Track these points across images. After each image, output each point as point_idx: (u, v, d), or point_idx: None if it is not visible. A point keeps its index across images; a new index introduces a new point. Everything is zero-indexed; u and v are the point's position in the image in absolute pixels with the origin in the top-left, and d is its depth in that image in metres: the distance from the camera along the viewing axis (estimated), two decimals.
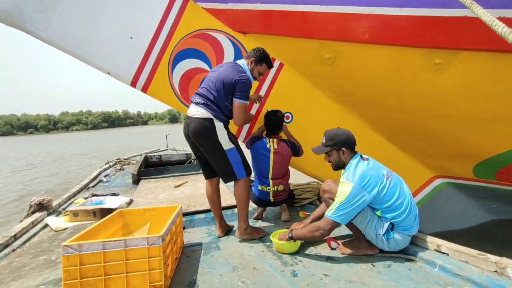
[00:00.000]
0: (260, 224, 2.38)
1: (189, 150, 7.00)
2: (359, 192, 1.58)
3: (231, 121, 2.00)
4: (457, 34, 1.83)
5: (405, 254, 1.69)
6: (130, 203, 3.05)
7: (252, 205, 2.77)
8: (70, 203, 3.22)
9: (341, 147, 1.74)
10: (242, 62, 2.02)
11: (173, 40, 2.34)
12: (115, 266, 1.32)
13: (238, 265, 1.66)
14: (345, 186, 1.62)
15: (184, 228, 2.29)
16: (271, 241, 1.89)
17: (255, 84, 2.52)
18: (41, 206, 2.77)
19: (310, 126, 2.58)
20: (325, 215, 1.66)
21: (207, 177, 2.11)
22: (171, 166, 4.81)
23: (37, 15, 2.10)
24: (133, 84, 2.35)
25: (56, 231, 2.39)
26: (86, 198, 3.16)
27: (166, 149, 8.27)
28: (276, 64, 2.51)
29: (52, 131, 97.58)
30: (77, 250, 1.29)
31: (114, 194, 3.45)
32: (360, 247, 1.76)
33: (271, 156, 2.24)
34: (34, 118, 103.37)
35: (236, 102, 1.88)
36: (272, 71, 2.52)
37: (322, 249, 1.84)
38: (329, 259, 1.71)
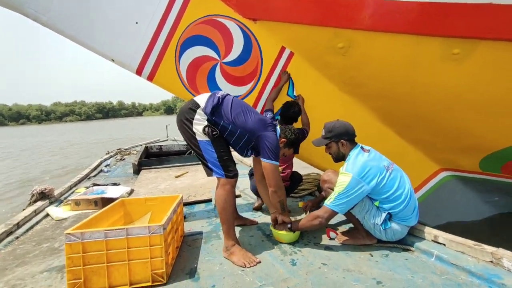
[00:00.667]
0: (259, 214, 2.40)
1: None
2: (358, 182, 1.60)
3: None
4: (478, 23, 1.74)
5: (403, 244, 1.71)
6: (131, 192, 3.08)
7: (252, 196, 2.80)
8: (72, 193, 3.25)
9: (339, 139, 1.76)
10: (278, 129, 1.83)
11: (181, 26, 2.24)
12: (117, 254, 1.35)
13: None
14: (344, 176, 1.64)
15: (184, 217, 2.31)
16: (271, 230, 1.92)
17: (264, 75, 2.46)
18: (43, 195, 2.80)
19: (319, 117, 2.52)
20: (324, 204, 1.68)
21: (208, 175, 1.95)
22: (171, 157, 4.83)
23: None
24: (139, 72, 2.26)
25: (57, 220, 2.42)
26: (87, 188, 3.19)
27: (167, 140, 8.26)
28: (286, 53, 2.45)
29: (45, 121, 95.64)
30: (79, 238, 1.31)
31: (115, 184, 3.47)
32: (359, 237, 1.78)
33: None
34: (26, 108, 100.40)
35: (266, 163, 1.68)
36: (282, 61, 2.45)
37: (321, 239, 1.86)
38: (327, 248, 1.73)
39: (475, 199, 3.32)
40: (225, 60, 2.35)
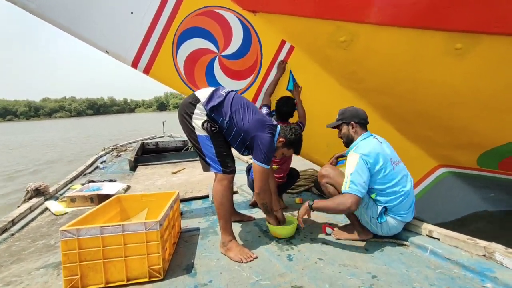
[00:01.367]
0: (256, 210, 2.41)
1: (186, 137, 6.97)
2: (364, 160, 1.63)
3: None
4: (481, 17, 1.72)
5: (398, 239, 1.73)
6: (127, 189, 3.06)
7: (249, 192, 2.81)
8: (67, 189, 3.22)
9: (350, 121, 1.79)
10: (278, 129, 1.79)
11: (178, 17, 2.17)
12: (114, 250, 1.34)
13: None
14: (352, 157, 1.68)
15: (181, 214, 2.31)
16: (267, 226, 1.93)
17: (263, 69, 2.42)
18: (38, 192, 2.77)
19: (320, 112, 2.51)
20: (342, 191, 1.62)
21: (204, 170, 1.89)
22: (168, 153, 4.81)
23: None
24: (134, 65, 2.20)
25: (56, 215, 2.41)
26: (83, 184, 3.16)
27: (163, 136, 8.23)
28: (286, 47, 2.41)
29: (34, 118, 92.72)
30: (75, 235, 1.31)
31: (111, 181, 3.46)
32: (354, 232, 1.80)
33: None
34: (13, 104, 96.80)
35: (256, 165, 1.65)
36: (282, 55, 2.42)
37: (317, 235, 1.88)
38: (324, 244, 1.75)
39: (472, 195, 3.35)
40: (224, 53, 2.31)
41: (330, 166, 1.89)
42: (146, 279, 1.38)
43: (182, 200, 2.64)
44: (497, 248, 1.40)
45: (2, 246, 1.88)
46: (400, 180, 1.67)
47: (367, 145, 1.68)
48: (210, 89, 1.73)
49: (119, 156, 5.64)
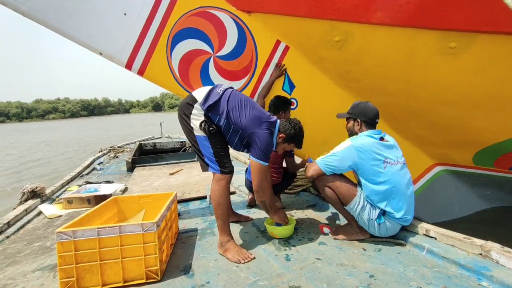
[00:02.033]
0: (254, 211, 2.41)
1: (184, 137, 6.97)
2: (352, 151, 1.67)
3: None
4: (476, 15, 1.72)
5: (395, 238, 1.74)
6: (124, 190, 3.05)
7: (247, 193, 2.80)
8: (64, 191, 3.20)
9: (357, 118, 1.81)
10: (278, 124, 1.78)
11: (172, 18, 2.17)
12: (110, 252, 1.34)
13: None
14: (345, 142, 1.74)
15: (179, 214, 2.31)
16: (265, 226, 1.93)
17: (259, 69, 2.42)
18: (34, 194, 2.75)
19: (315, 112, 2.51)
20: (317, 159, 1.79)
21: (203, 169, 1.88)
22: (165, 154, 4.79)
23: None
24: (128, 66, 2.19)
25: (50, 218, 2.39)
26: (80, 186, 3.14)
27: (161, 137, 8.21)
28: (281, 47, 2.42)
29: (26, 119, 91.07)
30: (71, 236, 1.30)
31: (108, 182, 3.44)
32: (352, 232, 1.80)
33: None
34: (5, 105, 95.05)
35: (254, 161, 1.63)
36: (277, 55, 2.43)
37: (315, 235, 1.88)
38: (321, 244, 1.75)
39: (468, 193, 3.38)
40: (218, 54, 2.31)
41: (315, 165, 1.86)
42: (143, 281, 1.37)
43: (180, 201, 2.64)
44: (493, 247, 1.41)
45: None
46: (390, 180, 1.65)
47: (366, 139, 1.71)
48: (207, 88, 1.72)
49: (117, 157, 5.61)
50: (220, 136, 1.70)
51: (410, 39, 1.98)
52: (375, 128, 1.82)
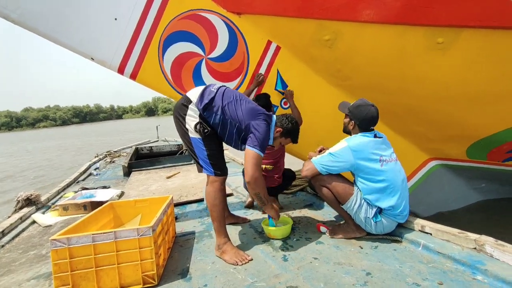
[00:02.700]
0: (251, 212, 2.41)
1: (180, 141, 6.94)
2: (349, 152, 1.68)
3: None
4: (460, 10, 1.75)
5: (391, 235, 1.75)
6: (121, 195, 3.03)
7: (245, 194, 2.80)
8: (60, 198, 3.17)
9: (352, 118, 1.82)
10: (274, 119, 1.77)
11: (162, 21, 2.17)
12: (106, 258, 1.33)
13: None
14: (341, 143, 1.75)
15: (176, 218, 2.30)
16: (262, 227, 1.93)
17: (251, 70, 2.43)
18: (29, 201, 2.72)
19: (308, 111, 2.51)
20: (313, 159, 1.79)
21: (198, 170, 1.88)
22: (162, 157, 4.78)
23: None
24: (121, 71, 2.19)
25: (44, 227, 2.36)
26: (76, 192, 3.12)
27: (157, 140, 8.17)
28: (273, 47, 2.43)
29: (16, 128, 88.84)
30: (66, 244, 1.28)
31: (104, 187, 3.41)
32: (349, 230, 1.81)
33: None
34: None
35: (249, 150, 1.59)
36: (269, 55, 2.44)
37: (312, 234, 1.88)
38: (318, 243, 1.76)
39: (463, 186, 3.41)
40: (210, 56, 2.32)
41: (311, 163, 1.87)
42: (140, 286, 1.36)
43: (177, 204, 2.63)
44: (487, 241, 1.43)
45: None
46: (387, 178, 1.67)
47: (360, 139, 1.72)
48: (201, 88, 1.71)
49: (113, 162, 5.57)
50: (215, 139, 1.70)
51: (399, 36, 2.01)
52: (367, 131, 1.81)
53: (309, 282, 1.34)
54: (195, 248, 1.78)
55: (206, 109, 1.63)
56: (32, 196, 2.74)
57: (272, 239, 1.84)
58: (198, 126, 1.62)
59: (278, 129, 1.75)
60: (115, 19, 2.08)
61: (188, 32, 2.25)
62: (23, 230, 2.28)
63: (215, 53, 2.32)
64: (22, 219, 2.46)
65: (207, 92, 1.67)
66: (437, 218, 3.22)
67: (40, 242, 2.05)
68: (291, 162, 2.81)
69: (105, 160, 5.74)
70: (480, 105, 2.23)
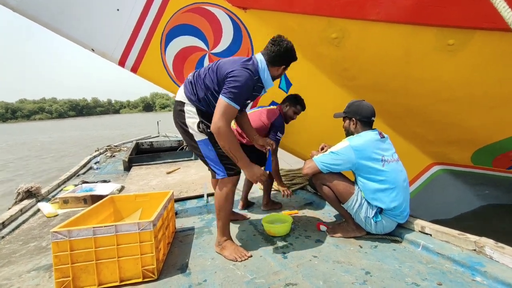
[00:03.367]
0: (251, 209, 2.41)
1: (180, 136, 6.93)
2: (350, 151, 1.67)
3: None
4: (474, 11, 1.71)
5: (391, 235, 1.75)
6: (121, 189, 3.03)
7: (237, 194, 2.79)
8: (60, 190, 3.18)
9: (352, 117, 1.81)
10: (261, 59, 1.57)
11: (166, 14, 2.13)
12: (107, 251, 1.33)
13: None
14: (343, 142, 1.74)
15: (176, 213, 2.30)
16: (262, 225, 1.93)
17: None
18: (30, 194, 2.73)
19: (312, 111, 2.48)
20: (314, 157, 1.78)
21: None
22: (162, 153, 4.77)
23: None
24: (121, 63, 2.16)
25: (48, 217, 2.37)
26: (76, 185, 3.12)
27: (158, 136, 8.18)
28: None
29: (11, 120, 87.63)
30: (66, 236, 1.29)
31: (105, 181, 3.42)
32: (348, 229, 1.81)
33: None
34: None
35: (219, 98, 1.44)
36: None
37: (312, 233, 1.89)
38: (318, 241, 1.76)
39: (466, 192, 3.39)
40: (214, 51, 2.29)
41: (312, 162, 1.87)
42: (140, 280, 1.37)
43: (177, 200, 2.63)
44: (487, 243, 1.43)
45: None
46: (389, 178, 1.67)
47: (363, 138, 1.72)
48: (182, 87, 1.67)
49: (113, 156, 5.58)
50: None
51: (407, 36, 1.98)
52: (371, 127, 1.81)
53: (308, 280, 1.35)
54: (195, 244, 1.78)
55: (197, 96, 1.55)
56: (33, 189, 2.75)
57: (272, 236, 1.85)
58: (201, 125, 1.57)
59: (281, 67, 1.61)
60: (117, 10, 2.05)
61: (192, 26, 2.21)
62: (23, 222, 2.29)
63: (219, 48, 2.28)
64: (22, 211, 2.47)
65: (188, 81, 1.63)
66: (437, 220, 3.21)
67: (40, 234, 2.06)
68: (296, 161, 2.82)
69: (105, 154, 5.74)
70: (486, 110, 2.21)
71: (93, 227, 1.32)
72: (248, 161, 1.54)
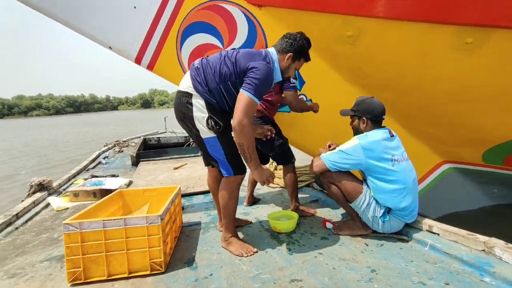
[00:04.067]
0: (257, 206, 2.42)
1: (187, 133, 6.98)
2: (359, 150, 1.65)
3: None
4: (494, 9, 1.67)
5: (398, 234, 1.74)
6: (129, 184, 3.09)
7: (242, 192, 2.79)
8: (70, 184, 3.26)
9: (362, 116, 1.77)
10: (272, 51, 1.58)
11: (182, 11, 2.13)
12: (116, 244, 1.36)
13: None
14: (352, 140, 1.71)
15: (183, 208, 2.33)
16: (268, 221, 1.94)
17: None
18: (42, 187, 2.81)
19: (324, 108, 2.43)
20: (322, 155, 1.75)
21: (205, 164, 1.83)
22: (170, 148, 4.83)
23: None
24: (138, 61, 2.18)
25: (58, 210, 2.44)
26: (86, 179, 3.19)
27: (165, 132, 8.26)
28: None
29: (8, 116, 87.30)
30: (78, 228, 1.32)
31: (113, 176, 3.48)
32: (355, 227, 1.80)
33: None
34: None
35: (242, 93, 1.40)
36: None
37: (318, 230, 1.89)
38: (324, 238, 1.76)
39: (475, 191, 3.34)
40: (228, 49, 2.29)
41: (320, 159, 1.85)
42: (148, 272, 1.40)
43: (184, 195, 2.66)
44: (497, 243, 1.40)
45: (6, 240, 1.91)
46: (399, 178, 1.64)
47: (372, 136, 1.68)
48: (187, 75, 1.58)
49: (122, 151, 5.68)
50: (229, 132, 1.53)
51: (424, 34, 1.93)
52: (380, 125, 1.78)
53: (314, 276, 1.35)
54: (201, 239, 1.81)
55: (207, 86, 1.47)
56: (45, 182, 2.83)
57: (278, 233, 1.85)
58: (210, 122, 1.47)
59: (288, 55, 1.56)
60: (134, 7, 2.06)
61: (207, 23, 2.20)
62: (36, 214, 2.36)
63: (234, 46, 2.27)
64: (35, 203, 2.54)
65: (194, 70, 1.52)
66: (443, 219, 3.18)
67: (52, 226, 2.12)
68: (303, 158, 2.81)
69: (113, 150, 5.85)
70: (501, 110, 2.16)
71: (103, 220, 1.35)
72: (259, 162, 1.53)
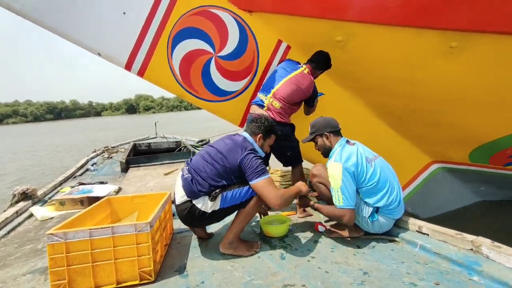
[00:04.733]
0: None
1: (178, 137, 6.91)
2: (345, 172, 1.65)
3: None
4: (478, 15, 1.74)
5: (389, 235, 1.75)
6: (118, 191, 3.02)
7: None
8: (56, 192, 3.15)
9: (323, 132, 1.81)
10: (246, 136, 1.73)
11: (172, 17, 2.12)
12: (103, 253, 1.32)
13: None
14: (335, 168, 1.66)
15: (174, 215, 2.28)
16: (260, 225, 1.92)
17: (260, 69, 2.38)
18: (25, 196, 2.70)
19: (318, 113, 2.52)
20: (337, 206, 1.65)
21: None
22: (160, 154, 4.75)
23: None
24: (128, 67, 2.14)
25: (42, 221, 2.35)
26: (72, 187, 3.10)
27: (156, 137, 8.14)
28: (283, 47, 2.40)
29: None
30: (62, 238, 1.27)
31: (102, 183, 3.40)
32: (346, 230, 1.81)
33: (291, 75, 2.15)
34: None
35: (254, 184, 1.53)
36: (279, 55, 2.41)
37: (310, 233, 1.88)
38: (316, 242, 1.76)
39: (463, 189, 3.44)
40: (220, 54, 2.28)
41: (321, 165, 1.90)
42: (137, 282, 1.36)
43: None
44: (484, 242, 1.43)
45: None
46: (381, 175, 1.69)
47: (345, 152, 1.70)
48: (179, 182, 1.69)
49: (111, 157, 5.55)
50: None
51: (411, 38, 1.99)
52: (340, 135, 1.84)
53: (306, 280, 1.34)
54: (193, 245, 1.77)
55: (209, 188, 1.58)
56: (29, 190, 2.72)
57: (270, 237, 1.84)
58: (212, 194, 1.57)
59: (258, 136, 1.72)
60: (124, 13, 2.03)
61: (198, 29, 2.20)
62: (19, 224, 2.27)
63: (225, 51, 2.28)
64: (18, 213, 2.44)
65: (186, 180, 1.63)
66: (433, 218, 3.24)
67: (36, 236, 2.04)
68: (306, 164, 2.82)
69: (102, 156, 5.71)
70: (485, 110, 2.24)
71: (89, 229, 1.31)
72: (298, 188, 1.72)
